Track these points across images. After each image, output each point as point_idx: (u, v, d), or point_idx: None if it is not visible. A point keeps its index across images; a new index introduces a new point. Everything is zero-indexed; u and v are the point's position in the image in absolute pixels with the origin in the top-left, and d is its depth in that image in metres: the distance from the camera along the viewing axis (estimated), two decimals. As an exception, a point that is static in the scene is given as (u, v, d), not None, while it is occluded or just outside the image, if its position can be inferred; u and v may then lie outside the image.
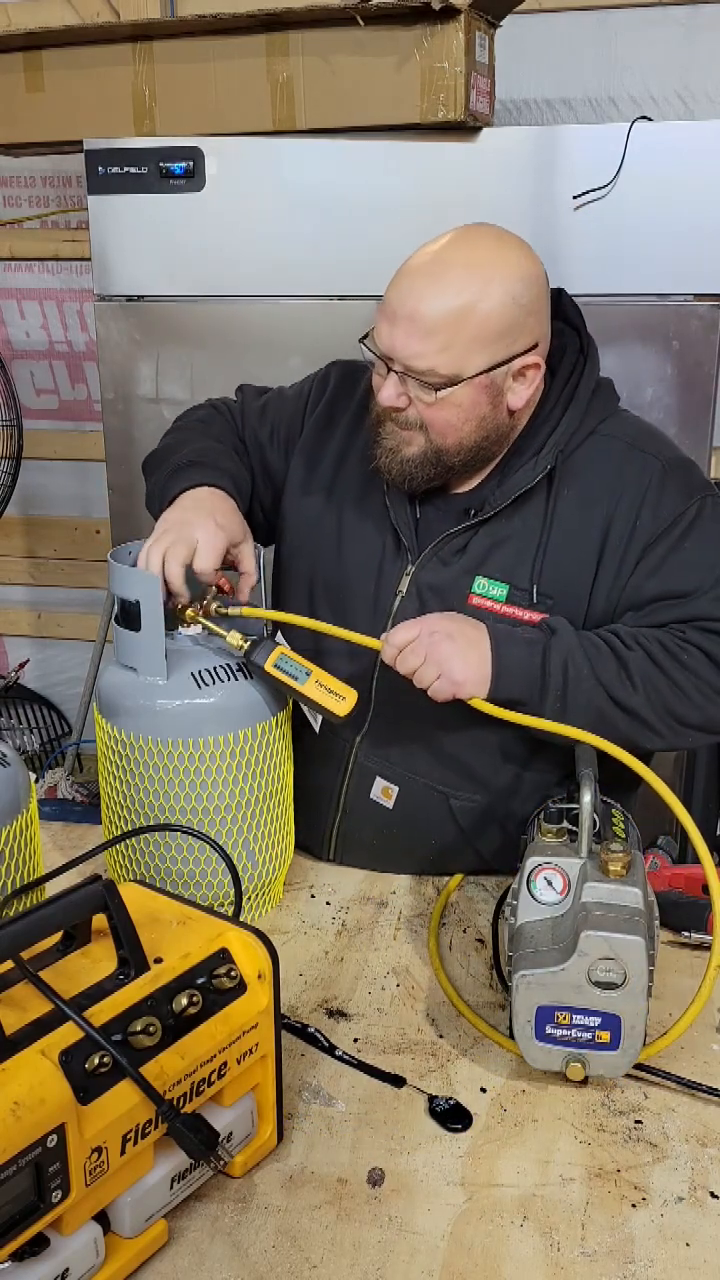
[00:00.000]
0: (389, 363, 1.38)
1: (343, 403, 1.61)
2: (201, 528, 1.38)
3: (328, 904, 1.49)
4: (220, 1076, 0.97)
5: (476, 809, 1.52)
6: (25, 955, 0.91)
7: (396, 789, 1.54)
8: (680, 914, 1.38)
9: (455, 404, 1.37)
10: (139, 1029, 0.91)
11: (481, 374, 1.36)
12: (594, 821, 1.18)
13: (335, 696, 1.36)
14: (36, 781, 2.02)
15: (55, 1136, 0.83)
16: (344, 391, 1.62)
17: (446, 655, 1.33)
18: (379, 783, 1.55)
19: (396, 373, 1.38)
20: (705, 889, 1.30)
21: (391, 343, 1.36)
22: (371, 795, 1.56)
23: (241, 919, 1.07)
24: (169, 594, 1.36)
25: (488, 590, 1.45)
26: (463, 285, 1.33)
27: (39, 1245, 0.85)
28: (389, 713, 1.51)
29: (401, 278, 1.38)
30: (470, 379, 1.36)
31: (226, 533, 1.40)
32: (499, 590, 1.45)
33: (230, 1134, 1.00)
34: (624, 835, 1.24)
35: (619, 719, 1.38)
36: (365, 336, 1.43)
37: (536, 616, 1.43)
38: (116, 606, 1.39)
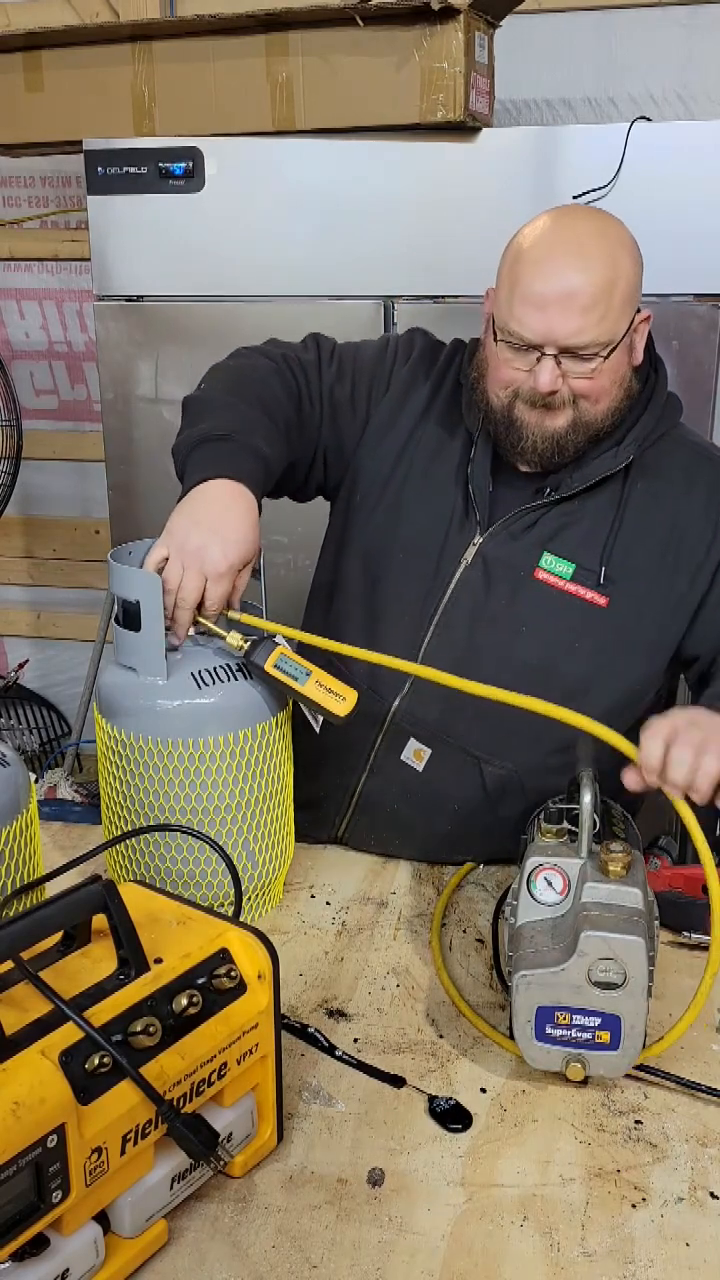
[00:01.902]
0: (540, 349, 1.40)
1: (424, 369, 1.63)
2: (212, 562, 1.34)
3: (328, 904, 1.49)
4: (220, 1077, 0.97)
5: (507, 776, 1.54)
6: (25, 955, 0.91)
7: (429, 751, 1.55)
8: (680, 914, 1.38)
9: (610, 369, 1.43)
10: (139, 1029, 0.91)
11: (625, 335, 1.42)
12: (594, 821, 1.18)
13: (335, 697, 1.36)
14: (36, 781, 2.02)
15: (55, 1136, 0.83)
16: (427, 360, 1.64)
17: (709, 741, 1.23)
18: (412, 744, 1.56)
19: (550, 355, 1.40)
20: (705, 889, 1.30)
21: (549, 327, 1.38)
22: (402, 756, 1.57)
23: (241, 919, 1.07)
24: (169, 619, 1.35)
25: (553, 566, 1.50)
26: (605, 255, 1.39)
27: (39, 1245, 0.85)
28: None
29: (538, 265, 1.40)
30: (620, 341, 1.42)
31: (238, 555, 1.36)
32: (565, 568, 1.50)
33: (230, 1134, 1.00)
34: (624, 835, 1.24)
35: None
36: (494, 337, 1.45)
37: (600, 598, 1.49)
38: (117, 606, 1.39)
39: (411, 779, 1.57)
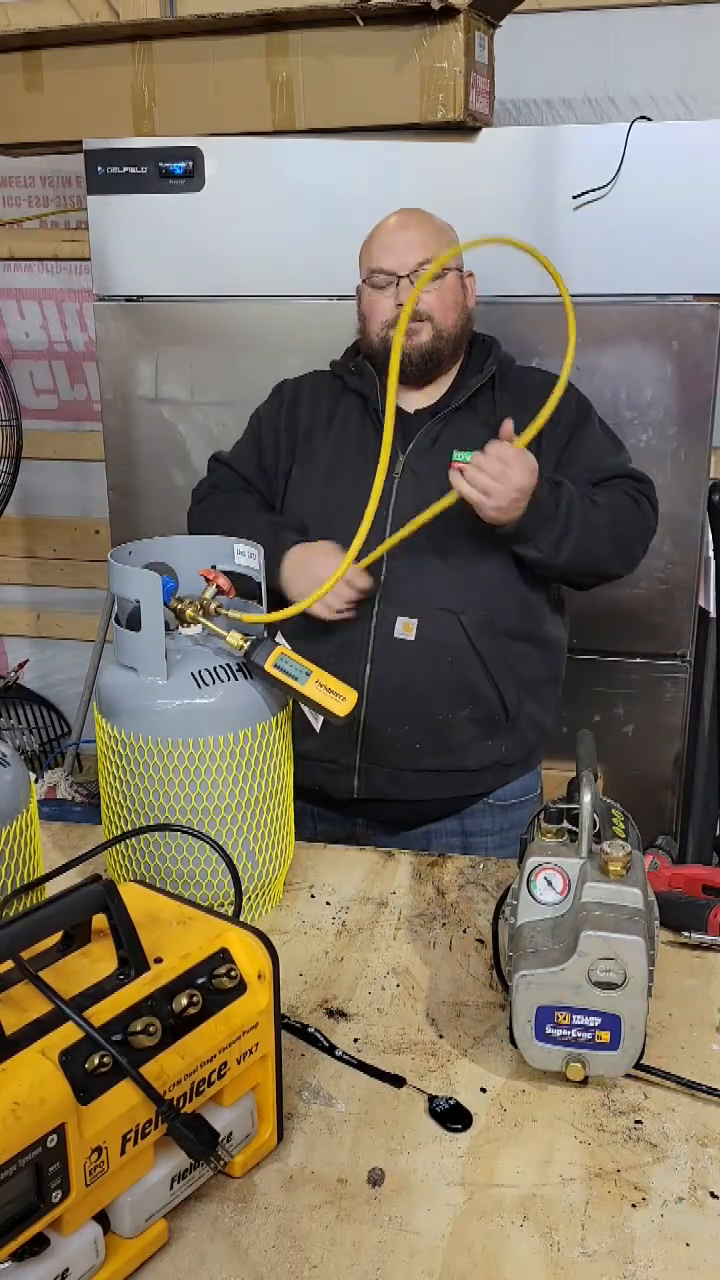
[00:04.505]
0: (396, 276, 1.89)
1: (296, 399, 2.03)
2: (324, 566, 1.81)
3: (328, 904, 1.49)
4: (220, 1076, 0.97)
5: (483, 625, 1.87)
6: (25, 955, 0.91)
7: (415, 621, 1.87)
8: (680, 914, 1.38)
9: (449, 288, 1.91)
10: (139, 1029, 0.91)
11: (455, 269, 1.92)
12: (594, 821, 1.18)
13: (335, 696, 1.36)
14: (36, 781, 2.02)
15: (55, 1136, 0.83)
16: (298, 391, 2.04)
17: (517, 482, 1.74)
18: (400, 621, 1.87)
19: (405, 277, 1.88)
20: (705, 889, 1.30)
21: (398, 258, 1.89)
22: (395, 635, 1.87)
23: (241, 919, 1.07)
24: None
25: (463, 457, 1.87)
26: (426, 218, 1.94)
27: (39, 1245, 0.85)
28: (404, 556, 1.85)
29: (383, 228, 1.93)
30: (452, 270, 1.91)
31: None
32: (471, 456, 1.90)
33: (230, 1134, 1.00)
34: (624, 835, 1.24)
35: (595, 517, 1.86)
36: (363, 284, 1.95)
37: None
38: (117, 606, 1.39)
39: (408, 649, 1.87)
